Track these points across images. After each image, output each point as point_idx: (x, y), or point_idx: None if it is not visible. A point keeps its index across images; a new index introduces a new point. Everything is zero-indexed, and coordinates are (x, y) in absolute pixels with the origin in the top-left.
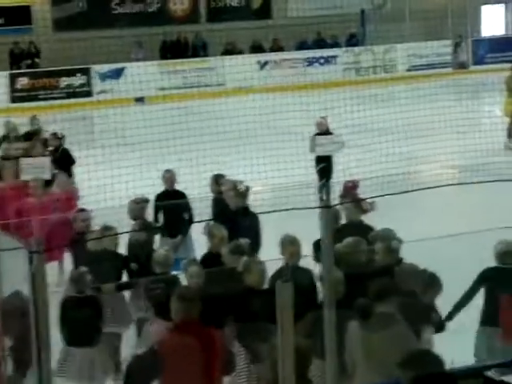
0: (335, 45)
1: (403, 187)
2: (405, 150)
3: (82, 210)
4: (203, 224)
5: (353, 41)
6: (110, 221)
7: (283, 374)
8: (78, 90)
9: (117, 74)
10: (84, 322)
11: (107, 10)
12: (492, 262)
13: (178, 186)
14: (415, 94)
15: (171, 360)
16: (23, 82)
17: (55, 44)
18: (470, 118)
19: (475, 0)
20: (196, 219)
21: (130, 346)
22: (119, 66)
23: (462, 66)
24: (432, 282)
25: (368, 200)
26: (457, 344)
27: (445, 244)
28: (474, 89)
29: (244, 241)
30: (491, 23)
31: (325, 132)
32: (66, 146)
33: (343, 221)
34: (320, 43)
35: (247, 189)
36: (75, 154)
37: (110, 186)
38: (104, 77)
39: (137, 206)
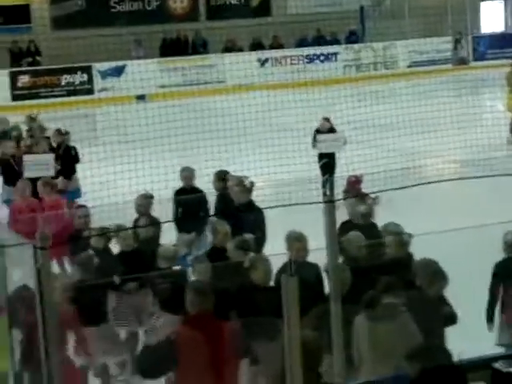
0: (335, 42)
1: (405, 182)
2: (407, 146)
3: (82, 206)
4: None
5: (352, 38)
6: (112, 217)
7: (290, 368)
8: (79, 87)
9: (117, 71)
10: None
11: (106, 9)
12: (497, 255)
13: (177, 183)
14: (416, 90)
15: (187, 351)
16: (24, 80)
17: (54, 42)
18: (472, 114)
19: None
20: None
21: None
22: (120, 63)
23: (463, 62)
24: (438, 275)
25: (371, 195)
26: (464, 336)
27: (448, 238)
28: (474, 84)
29: (249, 236)
30: (490, 19)
31: (328, 132)
32: (70, 143)
33: (346, 216)
34: (320, 40)
35: (252, 184)
36: (78, 151)
37: (113, 183)
38: (105, 75)
39: (145, 201)
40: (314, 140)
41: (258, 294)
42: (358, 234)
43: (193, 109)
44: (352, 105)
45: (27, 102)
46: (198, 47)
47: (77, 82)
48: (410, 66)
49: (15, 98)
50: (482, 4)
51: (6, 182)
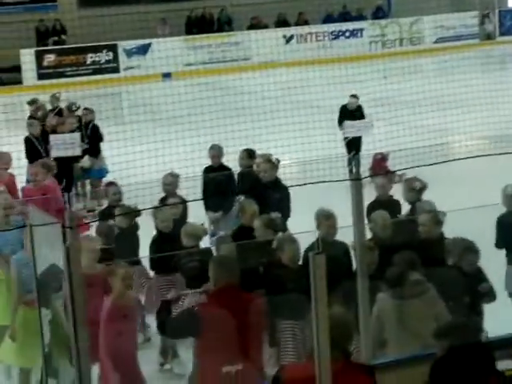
0: (360, 17)
1: (433, 159)
2: (433, 122)
3: (112, 183)
4: None
5: (379, 13)
6: (138, 195)
7: (318, 345)
8: (104, 66)
9: (143, 50)
10: None
11: None
12: None
13: (203, 162)
14: (442, 65)
15: (210, 323)
16: (50, 59)
17: (80, 21)
18: (499, 90)
19: None
20: None
21: None
22: (146, 41)
23: (489, 36)
24: (470, 250)
25: (398, 172)
26: (493, 314)
27: (478, 214)
28: (501, 59)
29: (275, 215)
30: None
31: (356, 109)
32: (96, 121)
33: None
34: (345, 16)
35: (278, 161)
36: (103, 130)
37: (140, 161)
38: (130, 53)
39: (173, 180)
40: (341, 117)
41: (285, 272)
42: (385, 213)
43: (218, 87)
44: (378, 82)
45: (53, 81)
46: (224, 25)
47: (102, 61)
48: (436, 42)
49: (41, 76)
50: None
51: (31, 163)
